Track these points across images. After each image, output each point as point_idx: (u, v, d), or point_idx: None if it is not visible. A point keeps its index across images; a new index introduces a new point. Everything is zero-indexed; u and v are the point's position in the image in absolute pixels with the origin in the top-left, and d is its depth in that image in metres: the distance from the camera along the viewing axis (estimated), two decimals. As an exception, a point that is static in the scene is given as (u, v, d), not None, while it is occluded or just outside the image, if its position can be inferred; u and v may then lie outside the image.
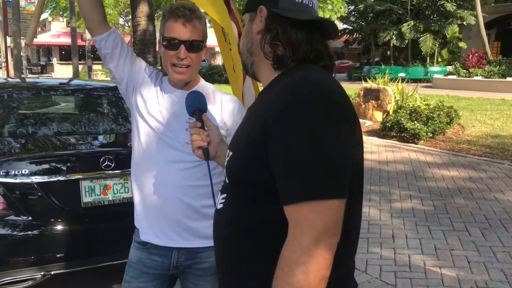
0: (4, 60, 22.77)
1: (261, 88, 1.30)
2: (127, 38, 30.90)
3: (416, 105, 9.45)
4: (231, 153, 1.20)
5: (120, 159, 3.02)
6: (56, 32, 39.33)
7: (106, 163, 2.92)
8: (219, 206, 1.24)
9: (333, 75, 1.22)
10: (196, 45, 1.77)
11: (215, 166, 1.69)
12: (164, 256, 1.84)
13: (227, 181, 1.23)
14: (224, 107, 1.87)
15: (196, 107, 1.55)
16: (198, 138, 1.48)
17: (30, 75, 27.72)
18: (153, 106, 1.83)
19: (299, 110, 1.02)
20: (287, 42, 1.17)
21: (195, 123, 1.52)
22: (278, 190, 1.04)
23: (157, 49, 1.83)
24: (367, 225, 4.67)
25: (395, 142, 8.86)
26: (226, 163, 1.22)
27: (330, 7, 24.83)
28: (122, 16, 31.89)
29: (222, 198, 1.23)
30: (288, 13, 1.18)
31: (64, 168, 2.89)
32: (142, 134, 1.83)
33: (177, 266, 1.86)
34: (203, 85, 1.91)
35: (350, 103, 1.12)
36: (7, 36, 19.04)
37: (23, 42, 15.97)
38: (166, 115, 1.81)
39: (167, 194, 1.78)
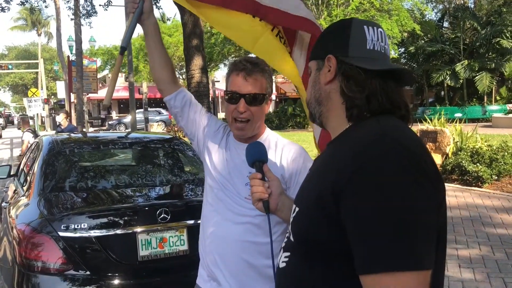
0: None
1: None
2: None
3: (477, 146, 9.01)
4: (297, 208, 1.11)
5: (176, 211, 3.01)
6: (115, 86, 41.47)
7: (162, 215, 2.92)
8: (282, 264, 1.15)
9: (410, 126, 1.12)
10: (258, 99, 1.74)
11: (277, 222, 1.63)
12: None
13: (291, 238, 1.13)
14: (285, 156, 1.80)
15: (256, 157, 1.48)
16: (259, 190, 1.41)
17: (90, 128, 29.20)
18: (218, 160, 1.83)
19: (378, 172, 0.93)
20: (361, 92, 1.09)
21: (255, 174, 1.45)
22: (354, 256, 0.94)
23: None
24: (434, 277, 4.35)
25: (457, 185, 8.42)
26: (291, 219, 1.13)
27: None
28: (176, 69, 33.38)
29: (285, 257, 1.14)
30: (359, 62, 1.11)
31: (121, 221, 2.90)
32: (208, 187, 1.85)
33: None
34: (267, 136, 1.86)
35: (432, 159, 1.01)
36: (71, 93, 20.31)
37: (85, 98, 16.93)
38: (229, 168, 1.80)
39: (227, 249, 1.74)
